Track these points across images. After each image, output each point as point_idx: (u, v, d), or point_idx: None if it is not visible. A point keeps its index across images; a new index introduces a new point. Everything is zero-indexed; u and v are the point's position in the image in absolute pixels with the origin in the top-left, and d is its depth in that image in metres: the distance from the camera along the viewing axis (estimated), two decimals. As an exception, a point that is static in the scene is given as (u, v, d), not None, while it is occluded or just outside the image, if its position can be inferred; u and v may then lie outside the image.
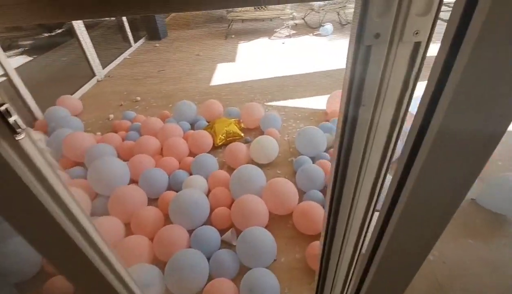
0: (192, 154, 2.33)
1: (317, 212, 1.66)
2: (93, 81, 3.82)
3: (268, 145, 2.17)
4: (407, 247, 0.53)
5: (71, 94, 3.37)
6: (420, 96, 0.40)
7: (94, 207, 1.85)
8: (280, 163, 2.26)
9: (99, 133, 2.73)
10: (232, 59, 4.32)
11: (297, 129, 2.60)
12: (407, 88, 0.48)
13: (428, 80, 0.39)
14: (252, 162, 2.21)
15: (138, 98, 3.33)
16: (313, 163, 2.11)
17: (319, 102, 3.02)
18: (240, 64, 4.12)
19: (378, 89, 0.48)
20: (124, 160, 2.22)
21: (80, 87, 3.57)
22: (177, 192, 1.96)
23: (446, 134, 0.38)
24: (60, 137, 2.36)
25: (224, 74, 3.85)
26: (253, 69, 3.91)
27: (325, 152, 2.22)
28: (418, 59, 0.45)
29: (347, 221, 0.68)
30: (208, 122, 2.68)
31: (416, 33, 0.42)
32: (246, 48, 4.74)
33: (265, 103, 3.08)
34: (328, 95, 2.84)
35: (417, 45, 0.44)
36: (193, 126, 2.68)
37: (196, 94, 3.35)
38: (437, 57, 0.37)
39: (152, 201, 1.95)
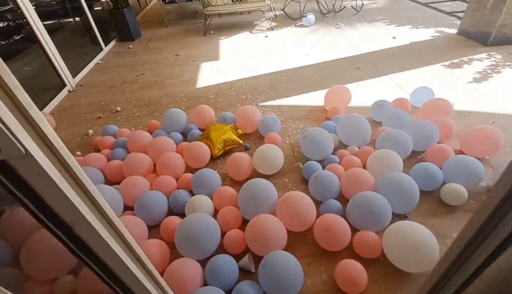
0: (189, 169, 2.12)
1: (340, 224, 1.52)
2: (63, 92, 3.45)
3: (273, 155, 1.99)
4: None
5: (40, 109, 3.01)
6: None
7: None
8: (286, 170, 2.09)
9: (79, 153, 2.44)
10: (215, 57, 4.07)
11: (298, 131, 2.45)
12: None
13: None
14: (256, 171, 2.03)
15: (119, 108, 3.03)
16: (323, 168, 1.97)
17: (315, 99, 2.87)
18: (224, 62, 3.88)
19: None
20: (113, 183, 1.98)
21: (50, 100, 3.20)
22: (179, 215, 1.77)
23: None
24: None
25: (208, 74, 3.60)
26: (239, 67, 3.70)
27: (332, 154, 2.08)
28: None
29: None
30: (201, 130, 2.47)
31: None
32: (228, 44, 4.49)
33: (259, 103, 2.89)
34: (325, 91, 2.69)
35: None
36: (185, 136, 2.45)
37: (182, 99, 3.10)
38: None
39: (152, 228, 1.73)
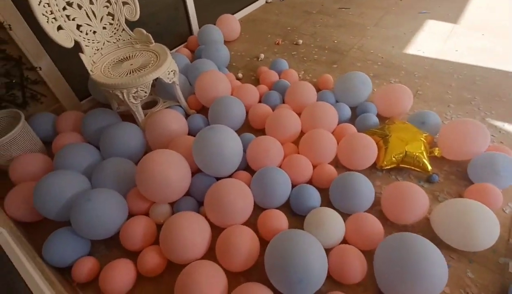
0: (336, 159, 1.53)
1: None
2: (261, 1, 3.22)
3: (477, 223, 1.12)
4: None
5: (234, 12, 2.90)
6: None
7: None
8: (483, 259, 1.20)
9: (240, 75, 2.21)
10: (453, 17, 2.78)
11: (543, 205, 1.35)
12: None
13: None
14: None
15: (300, 41, 2.56)
16: None
17: None
18: (464, 30, 2.59)
19: None
20: (255, 131, 1.65)
21: (246, 6, 3.05)
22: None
23: None
24: (199, 68, 1.96)
25: (430, 39, 2.51)
26: (482, 46, 2.39)
27: None
28: None
29: None
30: (380, 118, 1.73)
31: None
32: (481, 5, 2.99)
33: (488, 119, 1.78)
34: None
35: None
36: (353, 115, 1.79)
37: (376, 62, 2.29)
38: None
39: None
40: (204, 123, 1.73)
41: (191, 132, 1.67)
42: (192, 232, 1.11)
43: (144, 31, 1.69)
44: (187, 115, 1.82)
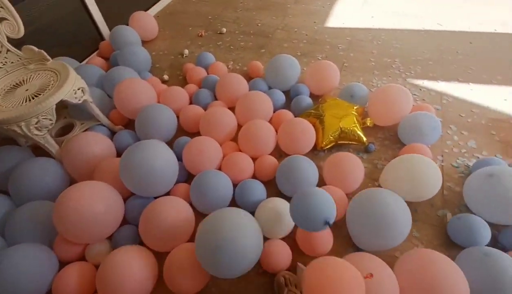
0: (276, 149, 1.51)
1: None
2: (177, -9, 3.01)
3: (412, 177, 1.19)
4: None
5: (148, 7, 2.66)
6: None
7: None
8: (421, 215, 1.28)
9: (166, 77, 2.04)
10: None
11: (465, 152, 1.48)
12: None
13: None
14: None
15: (224, 30, 2.44)
16: (504, 249, 1.09)
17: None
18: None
19: None
20: (188, 134, 1.53)
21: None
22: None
23: None
24: (116, 78, 1.75)
25: (347, 9, 2.58)
26: (395, 10, 2.53)
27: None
28: None
29: None
30: (313, 97, 1.73)
31: None
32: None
33: (409, 79, 1.89)
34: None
35: None
36: (289, 99, 1.77)
37: (302, 40, 2.28)
38: None
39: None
40: (133, 139, 1.57)
41: (121, 152, 1.50)
42: (130, 269, 0.99)
43: (35, 48, 1.43)
44: (113, 133, 1.63)
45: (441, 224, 1.23)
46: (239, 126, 1.56)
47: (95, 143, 1.40)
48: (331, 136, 1.46)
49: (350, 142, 1.49)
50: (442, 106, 1.70)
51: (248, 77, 1.93)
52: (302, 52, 2.16)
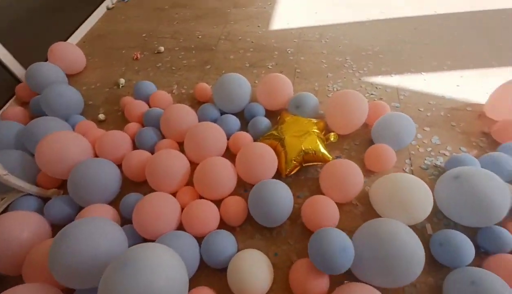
0: (242, 184, 1.35)
1: None
2: (101, 9, 2.67)
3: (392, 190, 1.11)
4: None
5: (68, 35, 2.32)
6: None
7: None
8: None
9: (102, 116, 1.78)
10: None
11: (430, 150, 1.43)
12: None
13: None
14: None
15: (162, 48, 2.20)
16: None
17: (467, 87, 1.69)
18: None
19: None
20: (134, 190, 1.32)
21: (83, 20, 2.47)
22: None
23: None
24: (37, 132, 1.47)
25: (291, 8, 2.45)
26: (338, 0, 2.45)
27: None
28: None
29: None
30: (269, 115, 1.58)
31: None
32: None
33: (363, 77, 1.82)
34: (494, 75, 1.51)
35: None
36: (244, 122, 1.61)
37: (248, 48, 2.12)
38: None
39: None
40: (69, 206, 1.31)
41: (57, 226, 1.25)
42: None
43: None
44: (46, 201, 1.37)
45: (421, 235, 1.16)
46: (192, 163, 1.38)
47: (19, 224, 1.15)
48: (294, 161, 1.33)
49: (315, 163, 1.38)
50: (400, 103, 1.64)
51: (196, 101, 1.74)
52: (251, 62, 2.00)
